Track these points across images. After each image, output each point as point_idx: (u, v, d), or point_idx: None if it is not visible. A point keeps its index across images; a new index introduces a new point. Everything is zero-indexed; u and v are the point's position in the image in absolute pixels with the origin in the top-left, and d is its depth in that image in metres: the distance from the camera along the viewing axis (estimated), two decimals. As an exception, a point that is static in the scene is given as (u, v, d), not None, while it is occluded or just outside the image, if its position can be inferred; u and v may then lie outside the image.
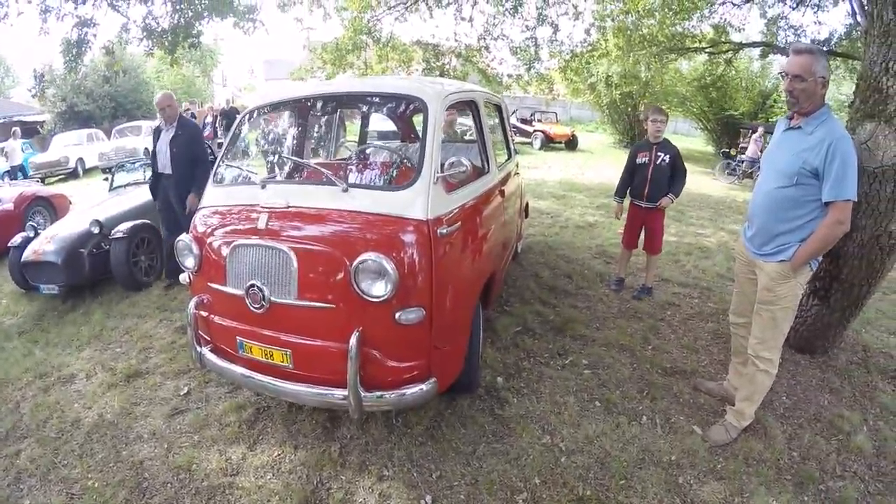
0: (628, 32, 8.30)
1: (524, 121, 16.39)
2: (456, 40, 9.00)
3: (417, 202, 1.88)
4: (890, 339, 3.49)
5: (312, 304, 1.88)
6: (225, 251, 2.02)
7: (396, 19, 8.47)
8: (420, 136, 2.11)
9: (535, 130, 15.53)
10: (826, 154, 1.90)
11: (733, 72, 13.06)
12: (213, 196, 2.32)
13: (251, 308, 1.94)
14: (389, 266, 1.74)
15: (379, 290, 1.77)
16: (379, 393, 1.87)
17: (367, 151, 2.80)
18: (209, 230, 2.16)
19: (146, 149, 11.69)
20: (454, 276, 2.03)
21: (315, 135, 3.11)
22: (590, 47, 8.81)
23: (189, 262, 2.20)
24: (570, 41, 8.85)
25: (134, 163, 5.93)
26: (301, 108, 2.86)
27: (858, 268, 2.70)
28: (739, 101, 14.61)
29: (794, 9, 8.93)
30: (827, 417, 2.64)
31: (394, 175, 2.30)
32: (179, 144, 3.89)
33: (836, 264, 2.84)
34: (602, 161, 13.44)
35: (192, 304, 2.16)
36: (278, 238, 1.90)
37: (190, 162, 3.89)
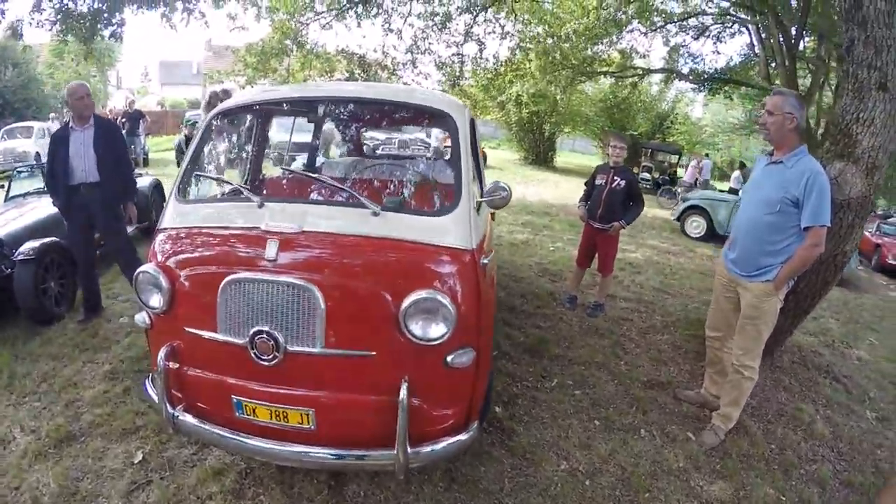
0: (549, 55, 8.71)
1: None
2: (384, 52, 9.09)
3: (461, 229, 1.69)
4: (814, 339, 3.89)
5: (345, 352, 1.59)
6: (214, 289, 1.58)
7: (323, 27, 8.35)
8: (441, 153, 1.81)
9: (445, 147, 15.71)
10: (805, 185, 2.18)
11: (636, 95, 14.31)
12: (181, 214, 1.84)
13: (257, 360, 1.52)
14: (449, 304, 1.53)
15: (436, 332, 1.55)
16: (428, 448, 1.64)
17: (387, 168, 2.38)
18: (182, 259, 1.71)
19: (37, 153, 10.25)
20: (489, 310, 1.91)
21: (320, 144, 2.57)
22: (514, 67, 9.11)
23: (154, 301, 1.70)
24: (496, 60, 9.10)
25: (32, 168, 5.19)
26: (299, 111, 2.36)
27: (815, 282, 3.10)
28: (639, 122, 16.10)
29: (695, 39, 10.04)
30: (789, 412, 3.01)
31: (428, 197, 1.95)
32: (104, 146, 3.27)
33: (795, 279, 3.05)
34: (512, 178, 14.15)
35: (162, 354, 1.68)
36: (297, 272, 1.55)
37: (117, 166, 3.36)
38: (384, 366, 1.60)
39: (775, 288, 2.33)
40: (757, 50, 9.41)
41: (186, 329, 1.67)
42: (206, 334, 1.63)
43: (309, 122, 2.70)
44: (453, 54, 9.01)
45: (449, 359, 1.62)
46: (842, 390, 3.37)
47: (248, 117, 2.36)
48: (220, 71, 9.54)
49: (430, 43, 8.83)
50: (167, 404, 1.69)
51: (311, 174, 2.20)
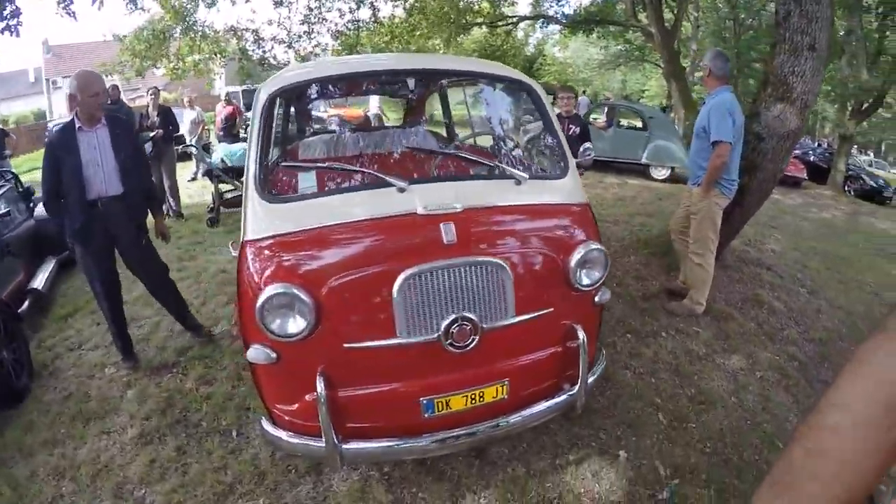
0: (442, 9, 9.05)
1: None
2: (280, 24, 9.05)
3: (578, 186, 1.98)
4: (737, 242, 5.02)
5: (531, 315, 1.72)
6: (386, 290, 1.51)
7: (209, 5, 8.05)
8: (525, 120, 1.99)
9: (329, 115, 15.18)
10: (708, 115, 3.18)
11: (509, 42, 15.26)
12: (282, 216, 1.65)
13: (449, 350, 1.53)
14: (604, 251, 1.80)
15: (595, 277, 1.82)
16: (590, 378, 1.92)
17: (488, 136, 2.36)
18: (323, 267, 1.56)
19: None
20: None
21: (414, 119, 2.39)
22: (410, 27, 9.30)
23: (293, 326, 1.51)
24: (391, 23, 9.20)
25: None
26: (383, 84, 2.21)
27: (757, 197, 4.07)
28: (510, 65, 17.20)
29: None
30: (750, 297, 4.02)
31: (536, 161, 2.08)
32: (125, 149, 2.79)
33: (741, 195, 3.93)
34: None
35: (320, 385, 1.52)
36: (482, 249, 1.57)
37: (141, 172, 2.95)
38: (558, 318, 1.80)
39: (703, 190, 3.31)
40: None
41: (345, 346, 1.56)
42: (379, 343, 1.56)
43: (392, 95, 2.51)
44: (348, 21, 9.06)
45: (596, 299, 1.92)
46: (776, 275, 4.50)
47: (313, 94, 2.12)
48: (105, 64, 8.64)
49: (325, 11, 8.97)
50: (335, 437, 1.56)
51: (445, 151, 2.12)
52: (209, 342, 3.21)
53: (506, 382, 1.71)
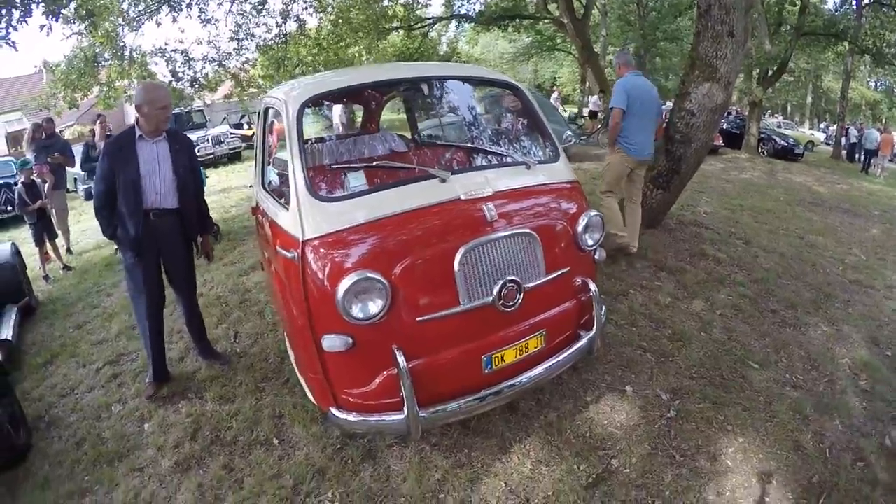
0: (365, 18, 9.60)
1: (237, 125, 15.83)
2: (209, 42, 9.38)
3: (568, 167, 2.54)
4: (673, 208, 5.76)
5: (555, 274, 2.19)
6: (448, 264, 1.92)
7: (133, 31, 8.26)
8: (520, 118, 2.49)
9: (253, 134, 15.27)
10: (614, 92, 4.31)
11: (426, 43, 15.90)
12: (339, 213, 1.97)
13: (501, 310, 2.00)
14: (601, 216, 2.34)
15: (596, 238, 2.37)
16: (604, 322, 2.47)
17: (486, 131, 2.78)
18: (390, 252, 1.91)
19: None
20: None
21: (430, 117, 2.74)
22: (337, 38, 9.72)
23: (374, 307, 1.85)
24: (318, 34, 9.60)
25: None
26: (398, 91, 2.59)
27: (692, 164, 4.93)
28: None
29: None
30: (697, 253, 4.87)
31: (531, 149, 2.58)
32: (184, 163, 2.92)
33: (678, 164, 4.65)
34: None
35: (401, 359, 1.86)
36: (516, 223, 2.04)
37: (197, 190, 3.09)
38: (573, 275, 2.30)
39: (608, 147, 4.40)
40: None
41: (418, 319, 1.93)
42: (447, 312, 1.95)
43: (405, 101, 2.85)
44: (276, 35, 9.36)
45: (596, 256, 2.45)
46: (714, 232, 5.38)
47: (340, 103, 2.46)
48: (37, 97, 8.81)
49: (250, 28, 9.37)
50: (416, 408, 1.90)
51: (467, 144, 2.53)
52: (224, 364, 3.35)
53: (543, 333, 2.18)
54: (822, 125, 34.52)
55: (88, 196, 6.16)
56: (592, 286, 2.29)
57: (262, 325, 3.83)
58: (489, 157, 2.48)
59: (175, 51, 9.07)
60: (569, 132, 9.23)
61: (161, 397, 3.10)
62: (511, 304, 2.01)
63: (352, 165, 2.27)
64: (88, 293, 4.95)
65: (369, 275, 1.81)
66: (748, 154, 15.19)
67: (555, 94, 16.47)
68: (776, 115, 38.76)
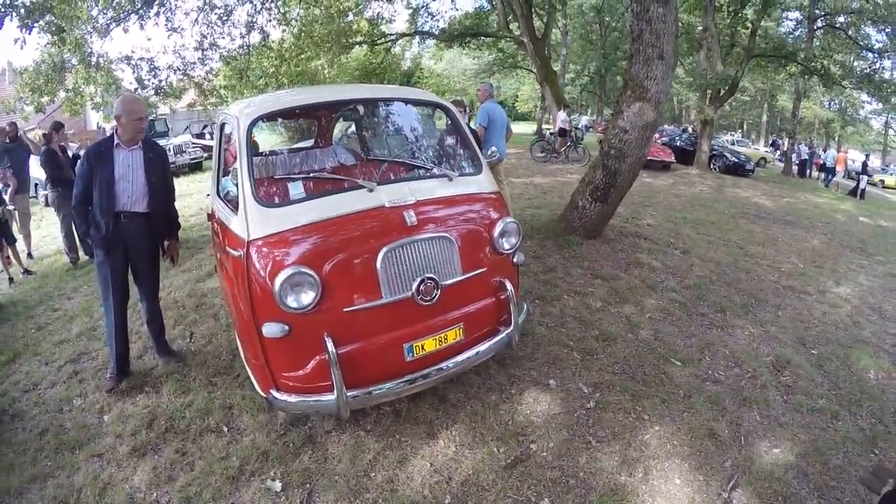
0: (332, 34, 9.92)
1: (199, 135, 16.09)
2: (175, 52, 9.66)
3: (490, 180, 2.89)
4: (616, 220, 6.23)
5: (472, 273, 2.52)
6: (371, 262, 2.21)
7: (102, 38, 8.46)
8: (445, 133, 2.78)
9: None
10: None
11: (388, 58, 16.31)
12: (281, 217, 2.26)
13: (420, 303, 2.30)
14: (517, 224, 2.69)
15: (513, 242, 2.68)
16: (521, 318, 2.75)
17: (420, 147, 3.06)
18: (322, 250, 2.20)
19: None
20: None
21: (364, 135, 2.99)
22: (299, 50, 10.04)
23: (307, 298, 2.14)
24: (281, 46, 9.90)
25: None
26: (337, 112, 2.83)
27: (627, 178, 5.38)
28: (391, 81, 18.23)
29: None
30: (633, 262, 5.29)
31: (457, 163, 2.90)
32: (157, 171, 3.20)
33: (614, 178, 5.03)
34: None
35: (330, 344, 2.14)
36: (436, 228, 2.35)
37: (167, 197, 3.35)
38: (490, 275, 2.62)
39: None
40: (495, 2, 12.50)
41: (345, 310, 2.22)
42: (370, 304, 2.24)
43: (344, 119, 3.11)
44: (239, 46, 9.78)
45: (514, 259, 2.77)
46: (652, 243, 5.85)
47: (286, 121, 2.71)
48: (3, 102, 9.04)
49: (215, 38, 9.67)
50: (344, 390, 2.17)
51: (399, 160, 2.88)
52: (179, 361, 3.54)
53: (461, 326, 2.48)
54: (770, 143, 36.37)
55: (48, 202, 6.23)
56: (509, 286, 2.61)
57: (215, 326, 4.07)
58: (416, 170, 2.81)
59: (142, 59, 9.33)
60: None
61: (120, 391, 3.30)
62: (429, 298, 2.32)
63: (292, 176, 2.54)
64: (49, 296, 5.12)
65: (302, 269, 2.11)
66: (699, 170, 16.03)
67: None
68: (732, 133, 40.55)
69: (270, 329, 2.16)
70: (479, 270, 2.53)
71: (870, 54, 16.93)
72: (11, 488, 2.59)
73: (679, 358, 3.58)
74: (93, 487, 2.54)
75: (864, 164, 17.53)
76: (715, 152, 17.25)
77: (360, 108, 2.90)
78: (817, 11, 16.74)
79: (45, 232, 8.13)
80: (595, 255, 5.42)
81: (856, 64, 17.92)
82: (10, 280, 5.60)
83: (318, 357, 2.21)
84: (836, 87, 17.55)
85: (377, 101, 3.14)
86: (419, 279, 2.27)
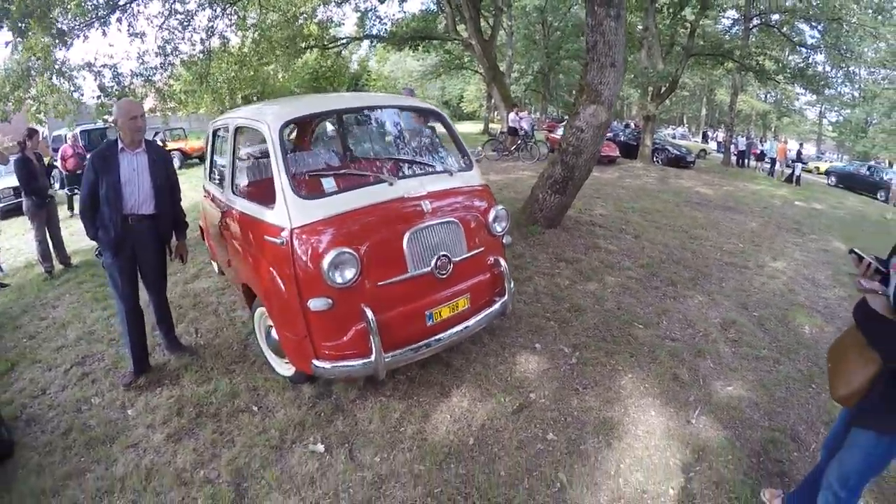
0: (290, 38, 10.32)
1: None
2: (139, 58, 9.84)
3: (478, 175, 3.52)
4: (571, 212, 6.99)
5: (472, 252, 3.14)
6: (398, 242, 2.78)
7: (65, 46, 8.49)
8: (436, 136, 3.44)
9: (170, 150, 15.04)
10: None
11: (339, 62, 16.77)
12: (319, 207, 2.76)
13: (437, 276, 2.90)
14: (507, 210, 3.36)
15: (503, 226, 3.34)
16: (512, 288, 3.41)
17: (423, 148, 3.64)
18: (359, 234, 2.73)
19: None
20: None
21: (371, 138, 3.51)
22: (258, 55, 10.38)
23: (350, 273, 2.65)
24: (240, 52, 10.22)
25: None
26: (340, 118, 3.36)
27: (584, 172, 6.24)
28: (341, 86, 18.68)
29: (381, 2, 13.09)
30: (590, 246, 6.21)
31: (453, 161, 3.54)
32: (161, 174, 3.41)
33: (571, 172, 5.85)
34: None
35: (370, 313, 2.67)
36: (445, 214, 2.96)
37: (173, 198, 3.56)
38: (487, 254, 3.25)
39: None
40: (443, 6, 13.27)
41: (379, 284, 2.75)
42: (398, 278, 2.80)
43: (355, 124, 3.62)
44: (200, 51, 9.92)
45: (504, 240, 3.42)
46: (606, 230, 6.76)
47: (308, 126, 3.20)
48: None
49: (176, 43, 9.92)
50: (381, 353, 2.70)
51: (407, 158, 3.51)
52: (192, 354, 3.86)
53: (468, 296, 3.10)
54: (707, 135, 39.65)
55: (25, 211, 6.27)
56: (503, 262, 3.27)
57: (218, 321, 4.46)
58: (423, 167, 3.41)
59: (104, 65, 9.48)
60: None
61: (138, 386, 3.54)
62: (444, 272, 2.92)
63: (323, 173, 3.07)
64: (32, 307, 5.22)
65: (345, 250, 2.63)
66: (643, 163, 17.52)
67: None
68: (674, 127, 43.60)
69: (316, 304, 2.65)
70: (479, 249, 3.15)
71: (803, 49, 19.00)
72: (46, 488, 2.73)
73: (641, 322, 4.36)
74: (136, 475, 2.77)
75: (799, 153, 19.46)
76: (657, 146, 18.86)
77: (375, 115, 3.45)
78: (753, 10, 18.59)
79: (8, 244, 8.09)
80: (557, 242, 6.24)
81: (790, 58, 19.93)
82: None
83: (356, 326, 2.73)
84: (770, 81, 19.54)
85: (382, 107, 3.72)
86: (436, 256, 2.87)
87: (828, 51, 17.85)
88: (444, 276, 2.92)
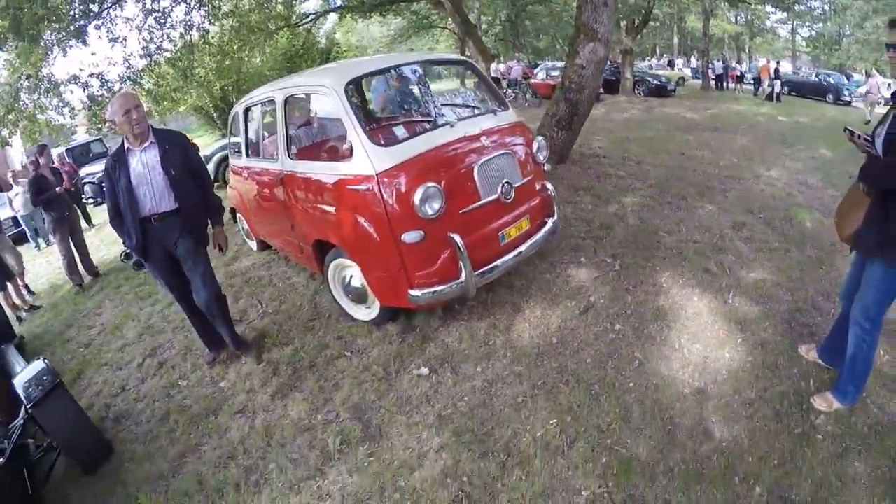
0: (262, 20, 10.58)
1: None
2: (125, 62, 10.05)
3: (515, 113, 4.02)
4: (576, 147, 7.56)
5: (526, 179, 3.67)
6: (470, 174, 3.29)
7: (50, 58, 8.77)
8: (479, 83, 3.95)
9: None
10: None
11: (310, 39, 16.95)
12: (398, 151, 3.21)
13: (504, 200, 3.43)
14: (546, 138, 3.86)
15: (544, 154, 3.89)
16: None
17: (466, 94, 4.13)
18: (438, 170, 3.20)
19: None
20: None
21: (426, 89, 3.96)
22: (242, 42, 10.64)
23: (437, 204, 3.10)
24: (222, 41, 10.48)
25: None
26: (403, 72, 3.84)
27: (587, 106, 6.83)
28: (313, 62, 18.84)
29: None
30: (601, 174, 6.93)
31: (493, 103, 4.05)
32: (176, 162, 3.26)
33: (576, 108, 6.41)
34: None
35: (458, 238, 3.15)
36: (501, 147, 3.49)
37: (197, 185, 3.42)
38: (536, 180, 3.79)
39: None
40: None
41: (461, 212, 3.24)
42: (475, 205, 3.30)
43: (405, 78, 4.11)
44: (182, 46, 10.32)
45: (546, 168, 3.96)
46: (610, 159, 7.40)
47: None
48: None
49: (157, 42, 10.06)
50: (472, 272, 3.19)
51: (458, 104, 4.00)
52: (252, 348, 3.86)
53: (528, 217, 3.64)
54: (672, 62, 40.54)
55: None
56: (550, 186, 3.82)
57: (278, 291, 4.84)
58: (471, 109, 3.90)
59: (91, 75, 9.57)
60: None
61: (222, 361, 3.81)
62: (508, 197, 3.44)
63: (392, 122, 3.57)
64: (74, 320, 5.42)
65: (431, 184, 3.08)
66: (626, 97, 18.33)
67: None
68: (648, 59, 44.20)
69: (410, 236, 3.10)
70: (530, 177, 3.67)
71: None
72: (163, 471, 2.92)
73: (664, 231, 5.00)
74: (254, 435, 3.02)
75: (776, 70, 20.47)
76: (637, 78, 19.61)
77: (418, 69, 3.88)
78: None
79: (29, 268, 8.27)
80: (570, 175, 6.85)
81: None
82: (19, 319, 5.80)
83: (444, 254, 3.22)
84: (742, 3, 20.21)
85: (424, 62, 4.08)
86: (501, 183, 3.37)
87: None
88: (509, 201, 3.43)
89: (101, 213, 10.64)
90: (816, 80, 25.04)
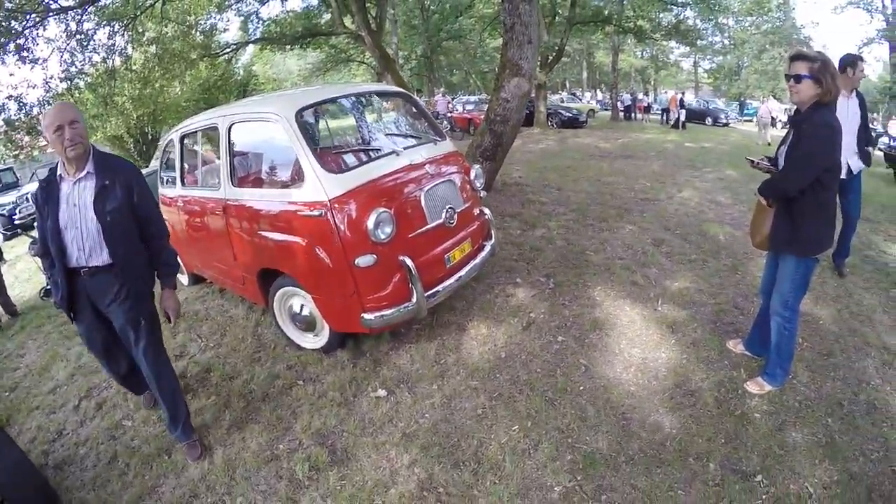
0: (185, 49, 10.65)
1: None
2: (45, 84, 9.71)
3: (452, 143, 4.41)
4: (498, 176, 8.20)
5: (466, 204, 4.02)
6: (418, 200, 3.57)
7: None
8: (418, 114, 4.36)
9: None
10: None
11: (229, 70, 16.97)
12: (349, 178, 3.40)
13: (448, 225, 3.73)
14: (483, 168, 4.33)
15: (480, 182, 4.27)
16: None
17: (407, 125, 4.42)
18: (389, 196, 3.44)
19: None
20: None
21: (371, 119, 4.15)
22: (164, 72, 10.61)
23: (389, 229, 3.31)
24: (145, 69, 10.43)
25: None
26: (351, 102, 4.10)
27: (510, 138, 7.35)
28: (231, 93, 18.73)
29: (263, 4, 13.58)
30: (525, 201, 7.63)
31: (432, 133, 4.36)
32: (116, 204, 2.55)
33: (500, 139, 7.03)
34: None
35: (409, 263, 3.38)
36: (443, 175, 3.81)
37: (142, 234, 2.73)
38: (473, 206, 4.14)
39: None
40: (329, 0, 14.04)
41: (409, 236, 3.48)
42: (422, 229, 3.56)
43: (350, 108, 4.32)
44: (104, 71, 10.04)
45: (481, 195, 4.35)
46: (532, 188, 8.11)
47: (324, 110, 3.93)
48: None
49: (80, 65, 9.89)
50: (423, 293, 3.43)
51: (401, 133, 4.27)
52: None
53: (469, 240, 3.97)
54: (575, 94, 44.23)
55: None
56: (487, 211, 4.22)
57: (217, 324, 4.81)
58: (414, 139, 4.21)
59: (9, 97, 9.27)
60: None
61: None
62: (452, 221, 3.75)
63: (341, 151, 3.82)
64: None
65: (383, 209, 3.30)
66: (540, 129, 19.90)
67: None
68: (562, 92, 47.56)
69: (363, 260, 3.26)
70: (470, 202, 4.03)
71: (674, 7, 21.88)
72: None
73: (590, 250, 5.54)
74: (216, 470, 2.96)
75: (681, 100, 23.23)
76: (550, 111, 21.27)
77: (363, 99, 4.21)
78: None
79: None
80: (495, 202, 7.39)
81: (662, 17, 22.91)
82: None
83: (396, 277, 3.42)
84: (648, 40, 22.48)
85: (367, 94, 4.49)
86: (445, 208, 3.69)
87: (697, 6, 20.88)
88: (453, 225, 3.75)
89: (12, 248, 9.94)
90: (702, 107, 29.00)
